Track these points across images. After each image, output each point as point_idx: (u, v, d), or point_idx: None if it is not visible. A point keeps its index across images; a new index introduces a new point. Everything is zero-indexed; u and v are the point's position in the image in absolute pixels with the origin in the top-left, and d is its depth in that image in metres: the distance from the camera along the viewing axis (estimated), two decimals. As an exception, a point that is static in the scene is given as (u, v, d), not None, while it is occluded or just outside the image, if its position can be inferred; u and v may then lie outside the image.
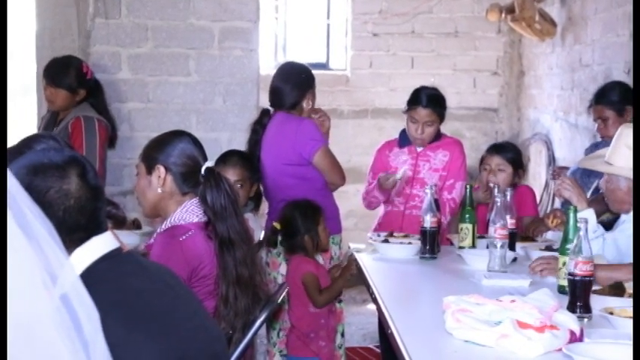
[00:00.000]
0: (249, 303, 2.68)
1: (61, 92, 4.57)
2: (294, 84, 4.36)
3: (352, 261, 3.83)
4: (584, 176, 4.10)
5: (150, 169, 2.79)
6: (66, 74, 4.58)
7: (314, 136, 4.27)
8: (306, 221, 3.91)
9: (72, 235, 1.64)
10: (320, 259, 4.19)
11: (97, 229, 1.70)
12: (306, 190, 4.24)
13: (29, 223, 1.14)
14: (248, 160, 4.11)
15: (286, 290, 3.20)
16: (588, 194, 3.82)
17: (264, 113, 4.43)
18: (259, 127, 4.38)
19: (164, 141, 2.84)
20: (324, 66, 7.73)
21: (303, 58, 7.09)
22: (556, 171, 4.66)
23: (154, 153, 2.81)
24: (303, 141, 4.25)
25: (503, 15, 6.60)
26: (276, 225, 3.98)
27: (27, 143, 2.89)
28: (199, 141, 2.90)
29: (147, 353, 1.58)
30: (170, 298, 1.74)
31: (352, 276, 3.88)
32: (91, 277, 1.33)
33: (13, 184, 1.15)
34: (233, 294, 2.65)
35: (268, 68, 7.00)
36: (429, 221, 3.65)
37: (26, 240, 1.13)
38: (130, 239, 3.63)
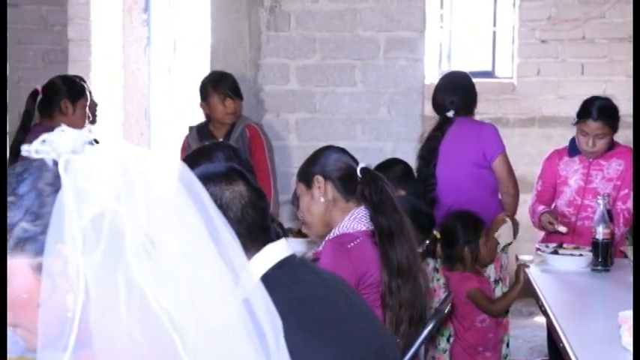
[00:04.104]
0: (413, 294, 2.68)
1: (240, 103, 4.68)
2: (467, 90, 4.47)
3: (521, 272, 3.73)
4: None
5: (309, 184, 2.86)
6: (239, 85, 4.70)
7: (497, 140, 4.34)
8: (467, 232, 3.85)
9: (251, 235, 1.72)
10: (492, 267, 4.14)
11: (268, 231, 1.77)
12: (481, 193, 4.27)
13: (217, 230, 1.20)
14: (411, 171, 4.12)
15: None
16: None
17: (446, 120, 4.41)
18: (439, 133, 4.38)
19: (315, 155, 2.94)
20: (489, 74, 7.62)
21: (468, 66, 7.02)
22: None
23: (308, 168, 2.89)
24: (487, 142, 4.31)
25: (682, 17, 6.28)
26: (436, 234, 3.95)
27: (205, 153, 2.98)
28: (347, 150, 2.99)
29: (323, 360, 1.61)
30: (344, 305, 1.77)
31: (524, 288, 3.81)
32: (268, 283, 1.37)
33: (201, 190, 1.21)
34: (396, 285, 2.66)
35: (433, 77, 6.98)
36: (601, 232, 3.55)
37: (215, 247, 1.18)
38: (297, 247, 3.72)
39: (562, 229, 4.09)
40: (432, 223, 3.81)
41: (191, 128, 4.82)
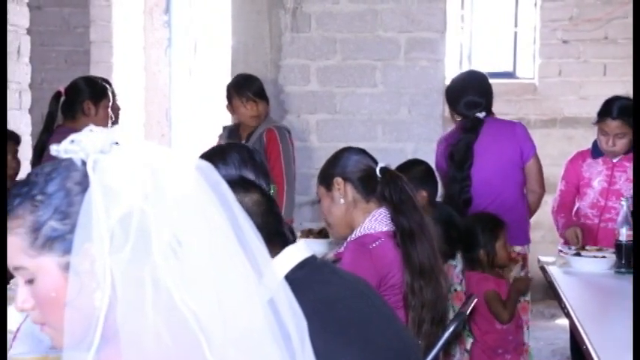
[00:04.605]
0: (435, 294, 2.68)
1: (265, 105, 4.72)
2: (490, 90, 4.46)
3: (523, 278, 3.77)
4: None
5: (329, 187, 2.87)
6: (264, 87, 4.74)
7: (530, 139, 4.36)
8: (484, 235, 3.83)
9: (272, 240, 1.72)
10: (518, 267, 4.11)
11: (283, 236, 1.78)
12: (512, 193, 4.27)
13: (243, 231, 1.20)
14: (432, 172, 4.11)
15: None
16: None
17: (477, 121, 4.36)
18: (473, 134, 4.35)
19: (334, 157, 2.95)
20: (510, 75, 7.59)
21: (488, 67, 6.99)
22: None
23: (328, 170, 2.91)
24: (523, 141, 4.32)
25: None
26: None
27: (220, 154, 2.97)
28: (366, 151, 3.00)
29: (345, 362, 1.61)
30: (366, 307, 1.77)
31: (527, 287, 3.83)
32: (289, 284, 1.37)
33: (227, 191, 1.21)
34: (418, 285, 2.66)
35: (453, 78, 6.95)
36: (624, 234, 3.53)
37: (241, 248, 1.18)
38: (318, 247, 3.71)
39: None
40: (461, 238, 3.81)
41: (224, 128, 4.92)
